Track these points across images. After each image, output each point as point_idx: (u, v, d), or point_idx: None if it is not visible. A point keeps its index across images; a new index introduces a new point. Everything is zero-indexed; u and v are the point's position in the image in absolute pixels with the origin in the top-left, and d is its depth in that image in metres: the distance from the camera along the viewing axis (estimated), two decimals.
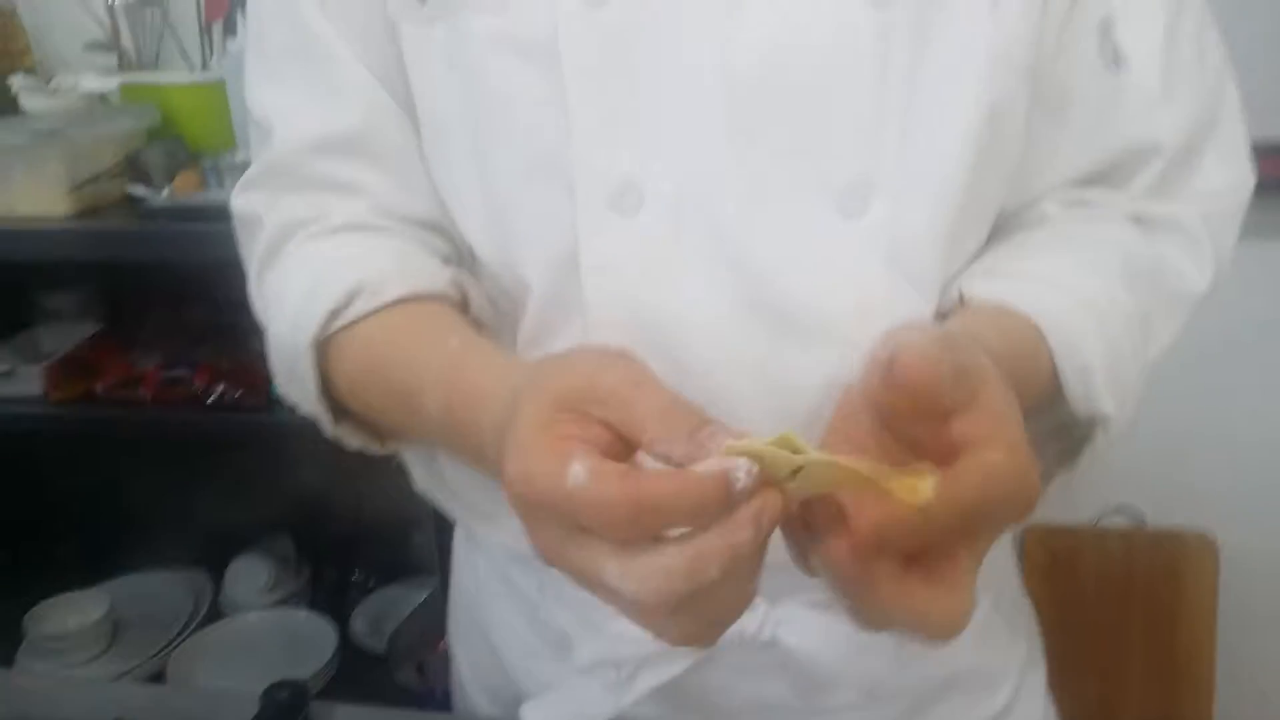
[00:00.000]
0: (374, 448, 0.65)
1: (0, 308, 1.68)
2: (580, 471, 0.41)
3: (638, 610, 0.41)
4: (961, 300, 0.60)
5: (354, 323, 0.59)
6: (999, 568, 0.77)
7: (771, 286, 0.58)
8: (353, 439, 0.64)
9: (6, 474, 1.76)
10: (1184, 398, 1.57)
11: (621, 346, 0.46)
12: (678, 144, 0.57)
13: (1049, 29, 0.61)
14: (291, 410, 0.64)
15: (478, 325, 0.61)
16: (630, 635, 0.45)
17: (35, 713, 0.78)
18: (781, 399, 0.58)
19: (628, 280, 0.58)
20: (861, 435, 0.45)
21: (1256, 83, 0.71)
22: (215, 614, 1.77)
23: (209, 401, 1.47)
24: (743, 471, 0.40)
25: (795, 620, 0.66)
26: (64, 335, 1.62)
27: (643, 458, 0.43)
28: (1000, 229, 0.67)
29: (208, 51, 1.59)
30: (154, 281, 1.63)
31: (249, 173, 0.68)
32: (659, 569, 0.40)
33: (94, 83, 1.57)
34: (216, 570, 1.81)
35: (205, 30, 1.58)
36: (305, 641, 1.67)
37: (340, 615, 1.73)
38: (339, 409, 0.63)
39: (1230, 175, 0.67)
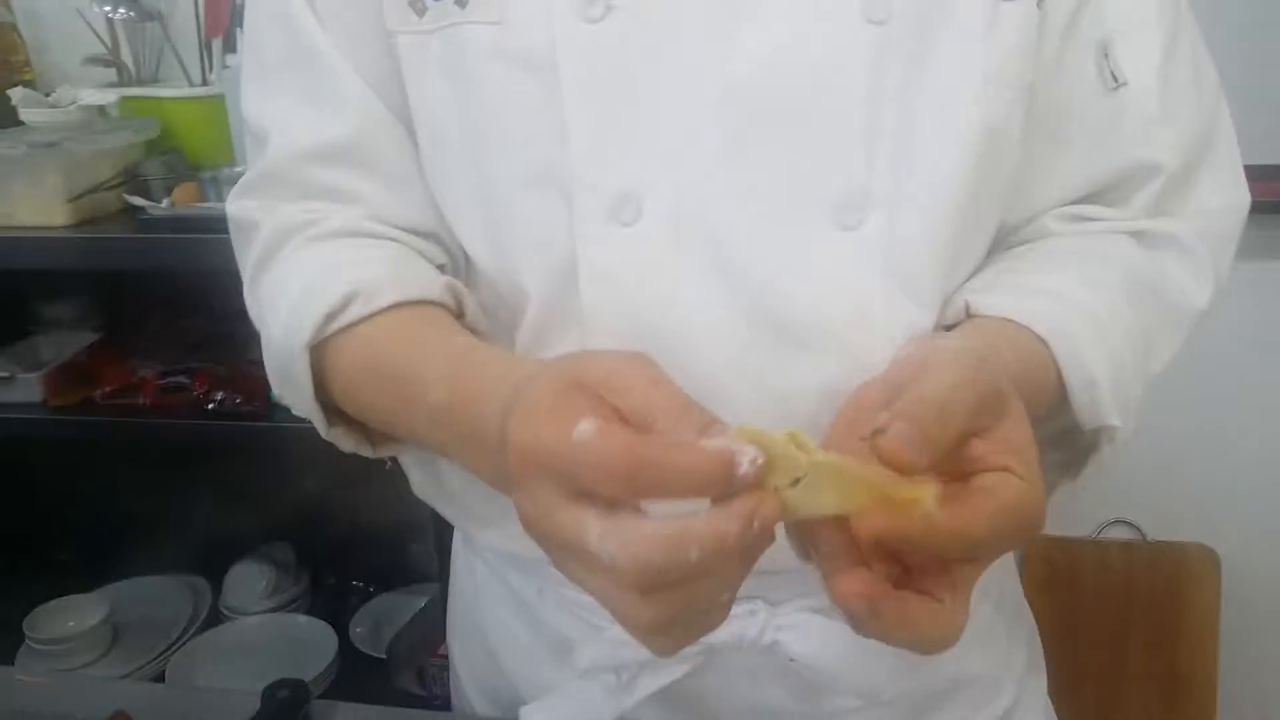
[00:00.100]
0: (366, 451, 0.65)
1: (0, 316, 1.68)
2: (588, 428, 0.41)
3: (613, 578, 0.41)
4: (968, 313, 0.61)
5: (350, 326, 0.59)
6: (999, 574, 0.77)
7: (769, 296, 0.58)
8: (346, 442, 0.64)
9: (6, 480, 1.76)
10: (1184, 412, 1.58)
11: (643, 351, 0.46)
12: (676, 156, 0.57)
13: (1047, 49, 0.61)
14: (291, 417, 0.64)
15: (474, 333, 0.61)
16: (630, 639, 0.45)
17: (34, 708, 0.79)
18: (779, 407, 0.59)
19: (626, 290, 0.59)
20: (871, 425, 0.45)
21: (1251, 109, 0.72)
22: (214, 619, 1.77)
23: (208, 408, 1.48)
24: (748, 458, 0.40)
25: (796, 625, 0.66)
26: (63, 343, 1.63)
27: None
28: (1002, 243, 0.67)
29: (207, 66, 1.60)
30: (152, 290, 1.64)
31: (245, 179, 0.69)
32: (642, 535, 0.40)
33: (93, 96, 1.57)
34: (216, 577, 1.81)
35: (205, 45, 1.59)
36: (305, 646, 1.67)
37: (339, 621, 1.73)
38: (333, 411, 0.63)
39: (1227, 195, 0.68)
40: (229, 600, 1.77)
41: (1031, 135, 0.62)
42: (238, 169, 1.41)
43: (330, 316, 0.59)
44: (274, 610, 1.76)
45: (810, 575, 0.47)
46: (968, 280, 0.64)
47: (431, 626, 1.35)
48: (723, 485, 0.40)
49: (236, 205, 0.68)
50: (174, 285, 1.54)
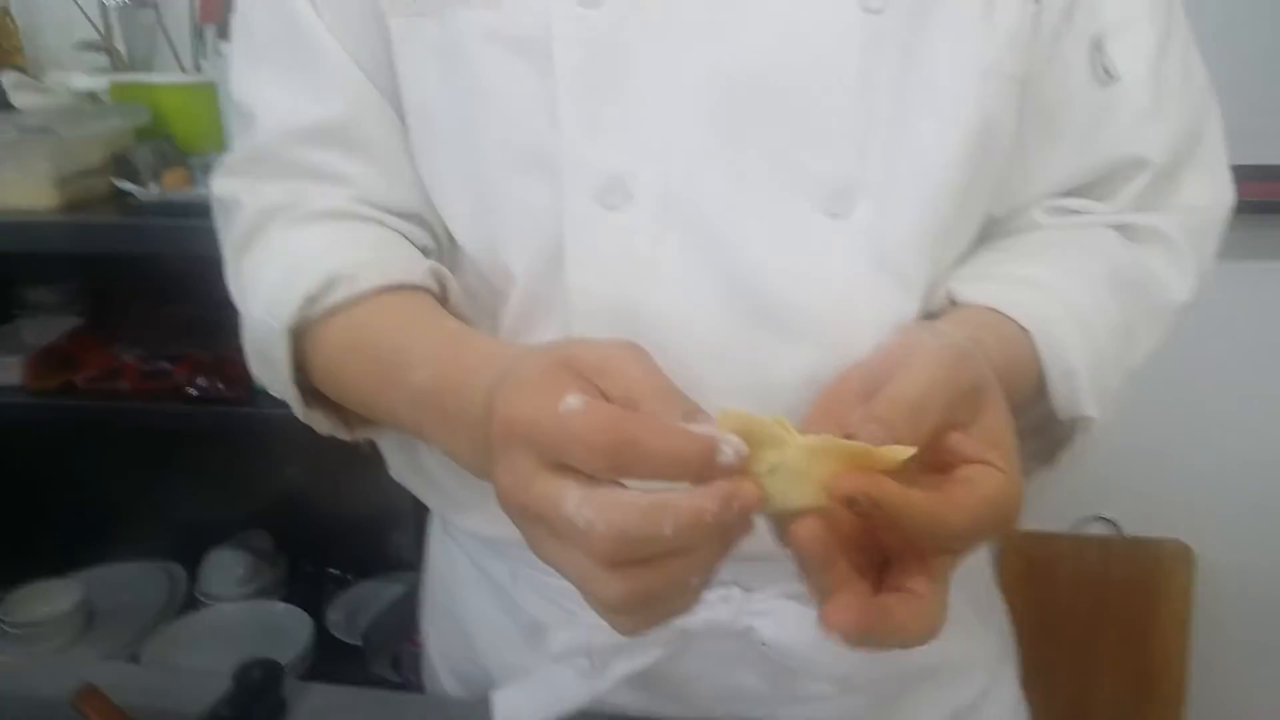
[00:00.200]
0: (342, 434, 0.65)
1: None
2: (575, 401, 0.42)
3: (586, 548, 0.42)
4: (952, 302, 0.61)
5: (332, 309, 0.59)
6: (971, 563, 0.76)
7: (756, 284, 0.58)
8: (322, 424, 0.64)
9: None
10: (1163, 411, 1.60)
11: (637, 343, 0.47)
12: (666, 141, 0.58)
13: (1041, 43, 0.62)
14: (273, 404, 0.64)
15: (458, 318, 0.62)
16: (604, 623, 0.46)
17: (4, 688, 0.78)
18: (763, 395, 0.59)
19: (613, 274, 0.59)
20: (848, 419, 0.46)
21: (1237, 109, 0.73)
22: (190, 605, 1.76)
23: (190, 394, 1.48)
24: (731, 447, 0.41)
25: (770, 611, 0.67)
26: (46, 328, 1.63)
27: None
28: (989, 234, 0.68)
29: (200, 53, 1.60)
30: (137, 276, 1.63)
31: (229, 158, 0.69)
32: (619, 503, 0.41)
33: (85, 81, 1.57)
34: (193, 563, 1.81)
35: (198, 32, 1.59)
36: (281, 632, 1.67)
37: (316, 609, 1.73)
38: (311, 393, 0.63)
39: (1212, 191, 0.69)
40: (205, 587, 1.77)
41: (1023, 127, 0.63)
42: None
43: (312, 300, 0.59)
44: (251, 597, 1.76)
45: (789, 560, 0.47)
46: (954, 269, 0.64)
47: (408, 614, 1.35)
48: (703, 470, 0.41)
49: (221, 184, 0.68)
50: (159, 271, 1.54)
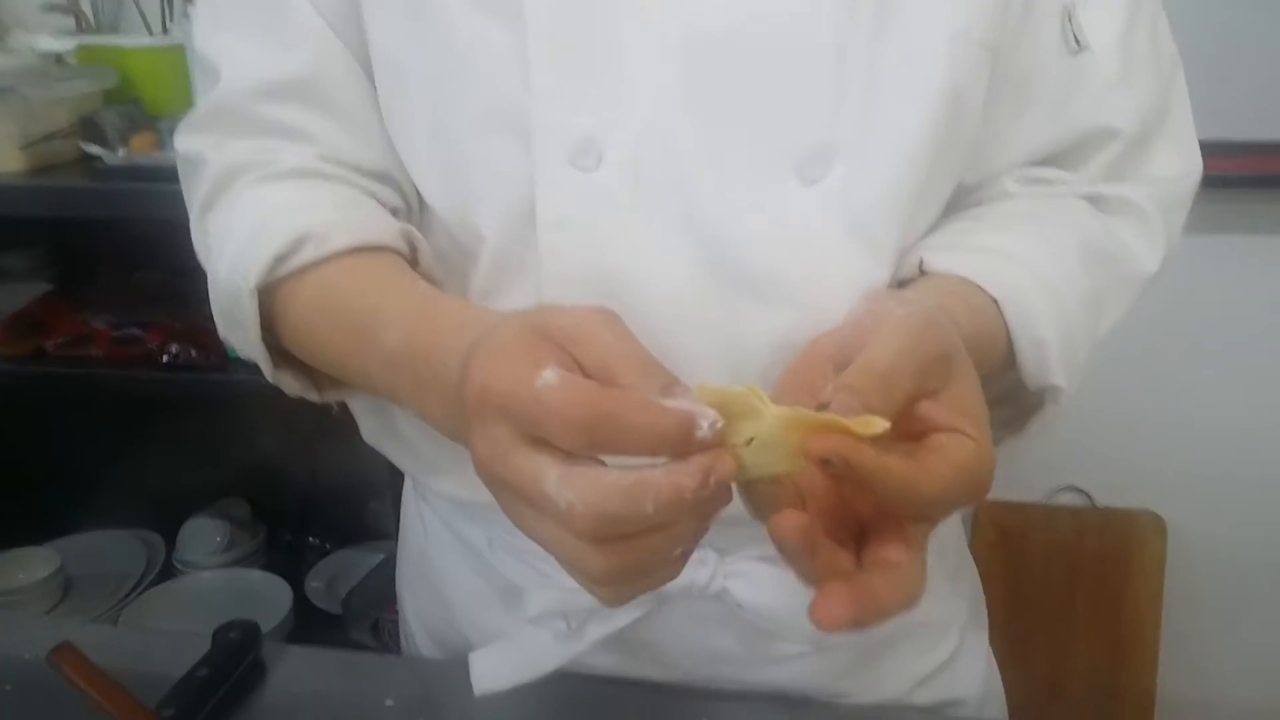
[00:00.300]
0: (312, 395, 0.64)
1: None
2: (551, 376, 0.41)
3: (567, 525, 0.41)
4: (922, 270, 0.61)
5: (302, 269, 0.59)
6: (943, 528, 0.77)
7: (727, 247, 0.58)
8: (292, 385, 0.63)
9: None
10: (1135, 383, 1.61)
11: (611, 308, 0.46)
12: (638, 103, 0.57)
13: (1012, 11, 0.61)
14: (247, 370, 0.63)
15: (428, 281, 0.61)
16: (580, 585, 0.46)
17: None
18: (735, 358, 0.59)
19: (584, 237, 0.59)
20: (819, 385, 0.46)
21: (1206, 84, 0.74)
22: (168, 573, 1.76)
23: (162, 361, 1.47)
24: (707, 421, 0.41)
25: (745, 573, 0.67)
26: (14, 294, 1.61)
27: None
28: (960, 203, 0.68)
29: (168, 16, 1.58)
30: (106, 242, 1.62)
31: (194, 114, 0.67)
32: (599, 484, 0.41)
33: (51, 43, 1.54)
34: (170, 532, 1.80)
35: None
36: (260, 599, 1.67)
37: (295, 578, 1.73)
38: (280, 354, 0.62)
39: (1180, 163, 0.70)
40: (183, 555, 1.77)
41: (994, 95, 0.62)
42: None
43: (280, 259, 0.58)
44: (229, 565, 1.75)
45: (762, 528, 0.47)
46: (924, 237, 0.64)
47: (388, 582, 1.35)
48: (681, 445, 0.41)
49: (185, 140, 0.67)
50: (128, 236, 1.52)
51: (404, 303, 0.56)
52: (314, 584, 1.73)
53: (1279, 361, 1.69)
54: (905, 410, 0.45)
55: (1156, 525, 1.73)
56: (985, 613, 0.84)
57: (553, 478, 0.41)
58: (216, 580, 1.73)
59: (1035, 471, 1.77)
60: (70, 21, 1.61)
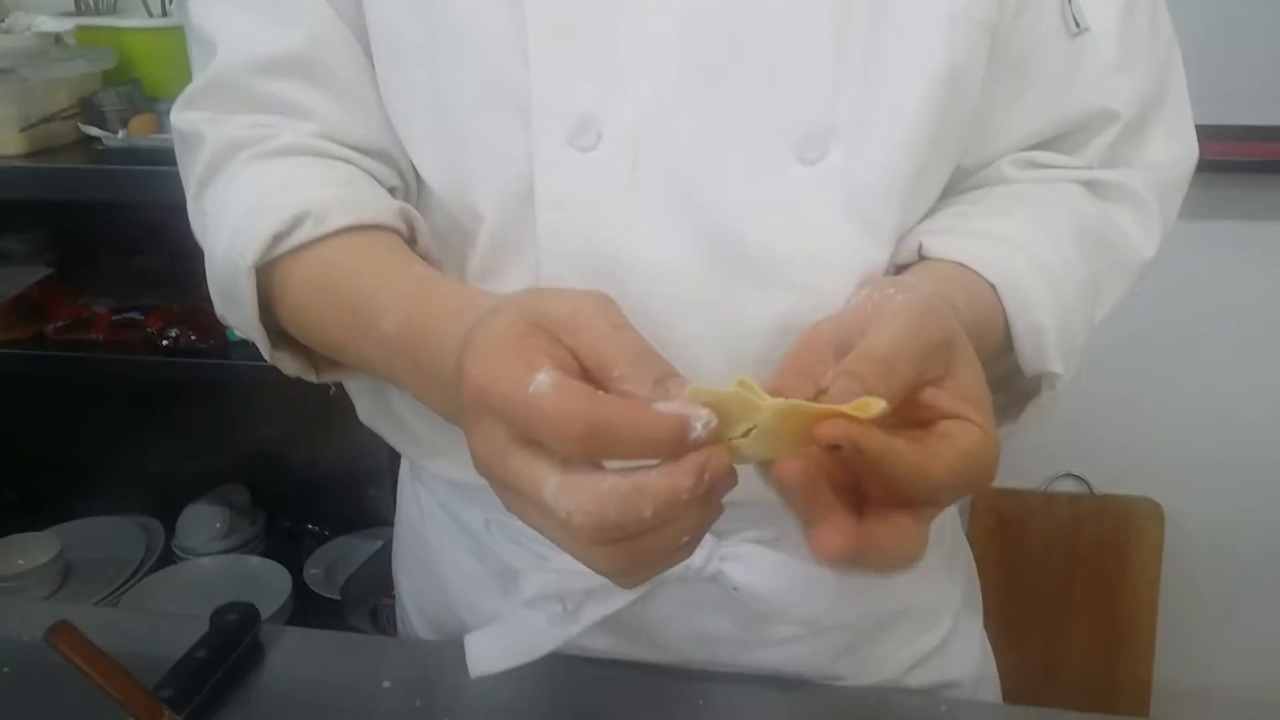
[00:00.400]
0: (310, 376, 0.64)
1: None
2: (545, 380, 0.41)
3: (567, 532, 0.42)
4: (920, 256, 0.61)
5: (300, 248, 0.58)
6: (940, 514, 0.78)
7: (726, 228, 0.58)
8: (290, 366, 0.63)
9: None
10: (1133, 370, 1.61)
11: (605, 293, 0.46)
12: (638, 82, 0.57)
13: None
14: (248, 356, 0.63)
15: (427, 261, 0.61)
16: (576, 568, 0.46)
17: None
18: (732, 339, 0.59)
19: (582, 216, 0.58)
20: (819, 371, 0.46)
21: (1203, 68, 0.73)
22: (167, 560, 1.76)
23: (162, 345, 1.46)
24: (701, 422, 0.41)
25: (740, 556, 0.67)
26: (14, 278, 1.60)
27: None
28: (958, 186, 0.67)
29: None
30: (106, 225, 1.62)
31: (190, 89, 0.67)
32: (596, 493, 0.41)
33: (50, 24, 1.54)
34: (169, 518, 1.80)
35: None
36: (260, 585, 1.67)
37: (294, 564, 1.73)
38: (277, 334, 0.62)
39: (1177, 147, 0.69)
40: (182, 541, 1.77)
41: (993, 77, 0.62)
42: None
43: (278, 237, 0.58)
44: (228, 552, 1.75)
45: (759, 506, 0.47)
46: (922, 221, 0.64)
47: (386, 569, 1.36)
48: (676, 448, 0.41)
49: (181, 116, 0.67)
50: (128, 220, 1.52)
51: (401, 285, 0.56)
52: (313, 571, 1.73)
53: (1277, 348, 1.69)
54: (908, 397, 0.45)
55: (1154, 513, 1.73)
56: (979, 597, 0.84)
57: (550, 486, 0.41)
58: (216, 566, 1.73)
59: (1033, 458, 1.77)
60: (69, 2, 1.60)
